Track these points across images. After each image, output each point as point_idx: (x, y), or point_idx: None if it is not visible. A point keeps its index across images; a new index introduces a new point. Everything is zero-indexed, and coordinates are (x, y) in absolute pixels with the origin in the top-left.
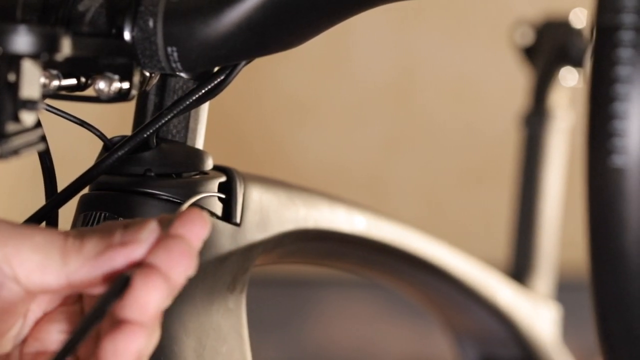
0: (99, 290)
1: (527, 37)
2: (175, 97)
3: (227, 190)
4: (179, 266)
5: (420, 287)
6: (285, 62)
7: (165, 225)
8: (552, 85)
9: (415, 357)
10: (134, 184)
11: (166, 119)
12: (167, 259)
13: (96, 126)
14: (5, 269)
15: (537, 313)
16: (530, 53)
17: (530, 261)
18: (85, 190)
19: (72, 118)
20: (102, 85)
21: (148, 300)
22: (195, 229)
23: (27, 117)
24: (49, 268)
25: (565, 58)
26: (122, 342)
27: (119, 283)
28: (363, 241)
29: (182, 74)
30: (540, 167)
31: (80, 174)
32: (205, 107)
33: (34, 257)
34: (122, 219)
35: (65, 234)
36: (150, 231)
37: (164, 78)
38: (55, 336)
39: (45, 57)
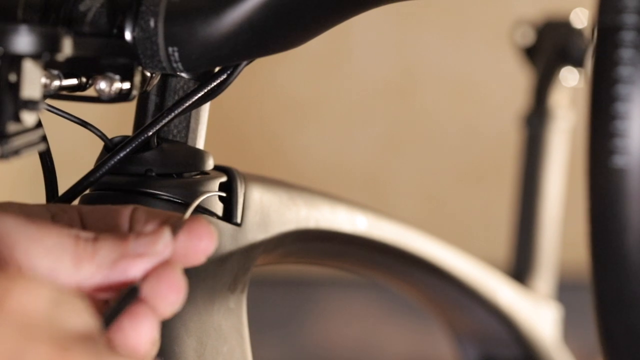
0: (105, 295)
1: (528, 37)
2: (176, 97)
3: (228, 190)
4: (168, 300)
5: (421, 287)
6: (286, 62)
7: (174, 227)
8: (552, 85)
9: (415, 357)
10: (135, 184)
11: (167, 119)
12: (157, 291)
13: (97, 126)
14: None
15: (537, 313)
16: (530, 53)
17: (531, 261)
18: (87, 190)
19: (73, 118)
20: (103, 85)
21: (138, 341)
22: (203, 244)
23: (28, 117)
24: (59, 274)
25: (566, 58)
26: None
27: (128, 295)
28: (364, 241)
29: (183, 74)
30: (541, 167)
31: (80, 174)
32: (206, 107)
33: (44, 263)
34: None
35: (76, 235)
36: (165, 244)
37: (165, 78)
38: None
39: (47, 57)
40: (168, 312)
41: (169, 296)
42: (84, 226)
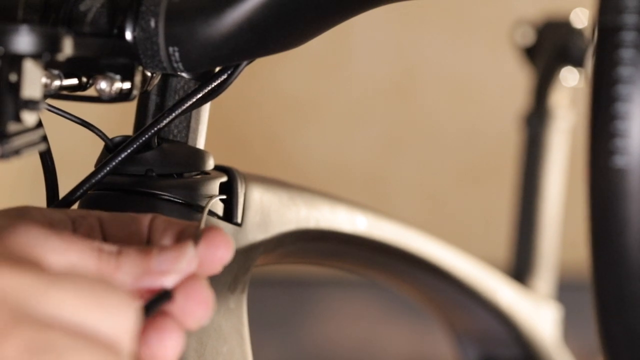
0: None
1: (528, 37)
2: (177, 97)
3: (229, 191)
4: (196, 316)
5: (421, 287)
6: (286, 62)
7: (193, 238)
8: (552, 85)
9: (415, 357)
10: (136, 184)
11: (168, 120)
12: (185, 307)
13: (97, 126)
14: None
15: (538, 313)
16: (531, 53)
17: (531, 261)
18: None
19: (73, 118)
20: (103, 85)
21: (165, 355)
22: (219, 253)
23: (29, 117)
24: None
25: (566, 58)
26: None
27: (161, 298)
28: (364, 241)
29: (184, 74)
30: (541, 167)
31: (81, 174)
32: (206, 107)
33: None
34: None
35: (99, 249)
36: (189, 261)
37: (165, 78)
38: None
39: (47, 57)
40: (195, 326)
41: (198, 312)
42: (103, 233)
